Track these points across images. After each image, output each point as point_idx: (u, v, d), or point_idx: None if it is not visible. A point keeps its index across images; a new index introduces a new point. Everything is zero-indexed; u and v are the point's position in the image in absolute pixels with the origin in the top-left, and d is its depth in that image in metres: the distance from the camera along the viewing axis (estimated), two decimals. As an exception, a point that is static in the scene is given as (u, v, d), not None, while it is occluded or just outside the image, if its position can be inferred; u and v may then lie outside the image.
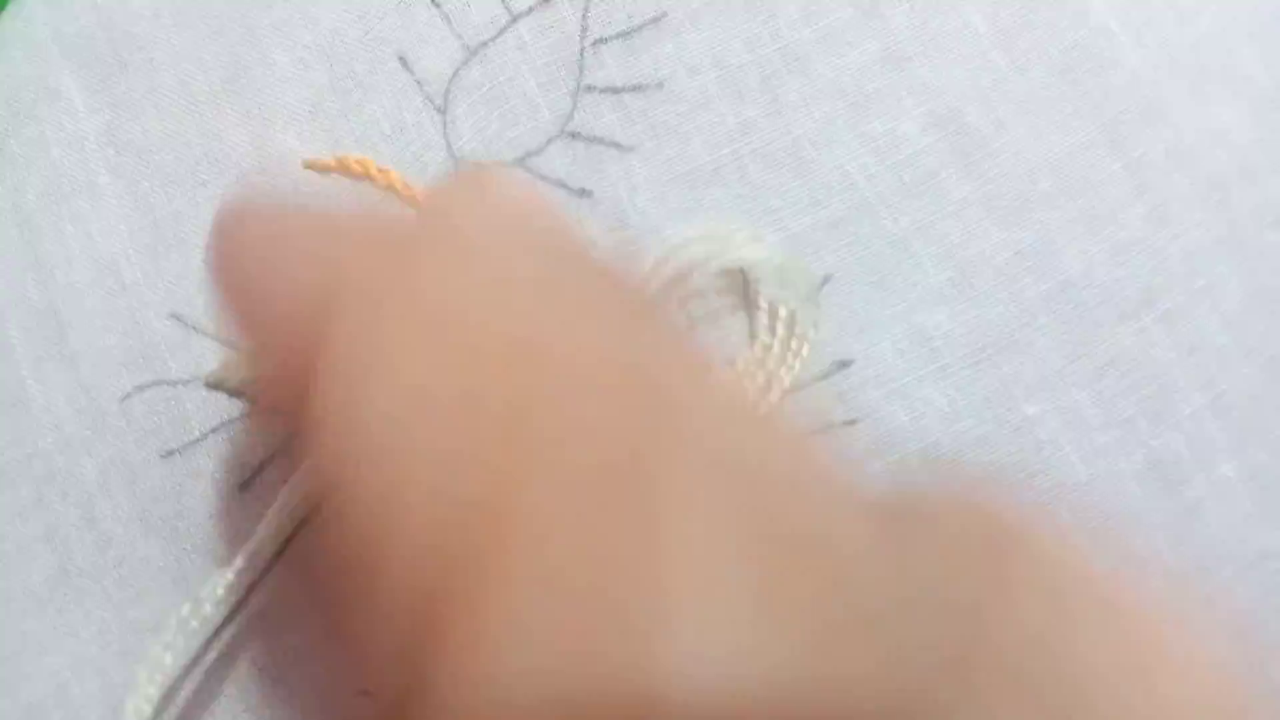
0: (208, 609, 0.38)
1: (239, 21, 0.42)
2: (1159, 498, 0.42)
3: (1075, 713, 0.23)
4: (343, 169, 0.41)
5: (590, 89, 0.42)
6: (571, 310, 0.26)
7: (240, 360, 0.40)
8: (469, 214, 0.28)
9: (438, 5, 0.42)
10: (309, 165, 0.41)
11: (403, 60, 0.42)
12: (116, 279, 0.41)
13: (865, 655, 0.23)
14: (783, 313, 0.40)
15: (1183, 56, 0.43)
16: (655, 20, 0.42)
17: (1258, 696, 0.42)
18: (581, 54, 0.42)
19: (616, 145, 0.42)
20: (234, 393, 0.40)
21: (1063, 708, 0.23)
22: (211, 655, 0.39)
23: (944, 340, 0.42)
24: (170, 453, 0.40)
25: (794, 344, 0.41)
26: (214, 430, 0.40)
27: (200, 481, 0.40)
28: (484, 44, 0.42)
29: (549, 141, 0.42)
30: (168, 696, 0.39)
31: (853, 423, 0.41)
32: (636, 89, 0.42)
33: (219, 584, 0.38)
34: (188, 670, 0.38)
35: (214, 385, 0.40)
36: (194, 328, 0.40)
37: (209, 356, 0.40)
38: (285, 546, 0.39)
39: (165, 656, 0.37)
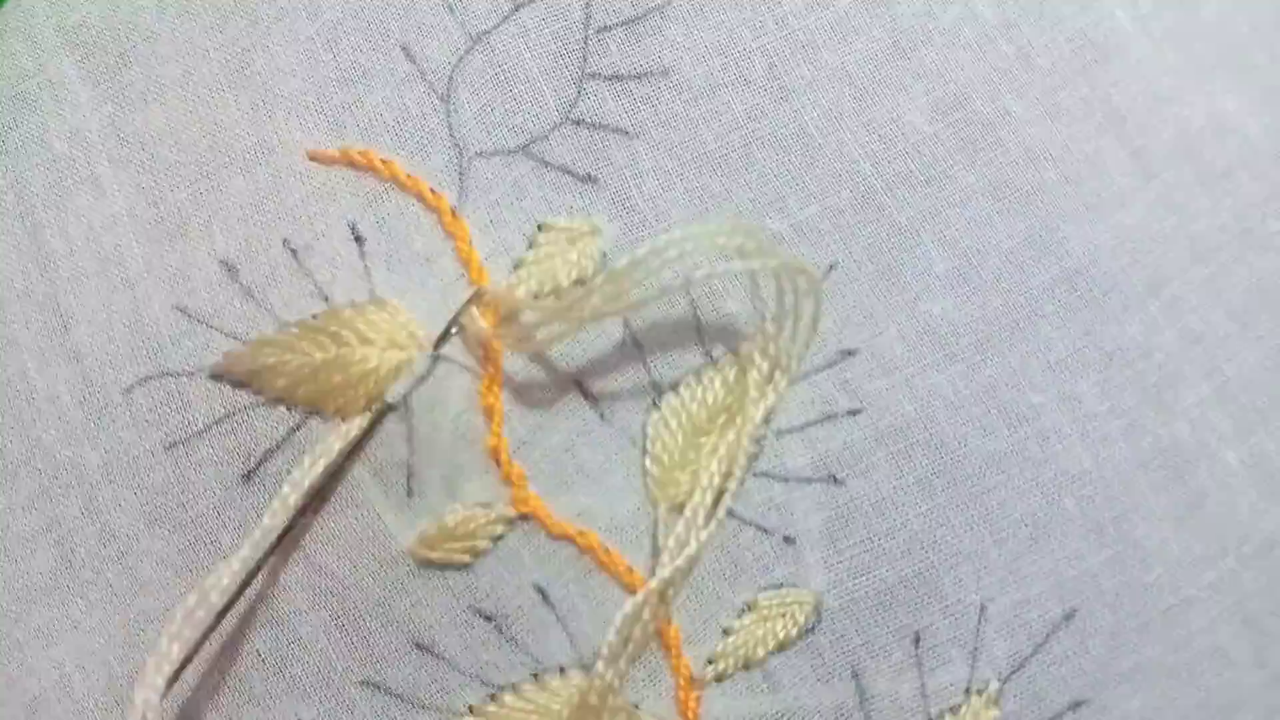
0: (214, 599, 0.38)
1: (242, 13, 0.42)
2: (1164, 486, 0.42)
3: None
4: (346, 160, 0.41)
5: (595, 76, 0.42)
6: None
7: (243, 352, 0.40)
8: None
9: (441, -6, 0.42)
10: (313, 157, 0.41)
11: (405, 49, 0.42)
12: (120, 271, 0.41)
13: None
14: (786, 303, 0.40)
15: (1189, 45, 0.43)
16: (660, 7, 0.42)
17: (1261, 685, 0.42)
18: (585, 41, 0.42)
19: (622, 132, 0.42)
20: (237, 384, 0.40)
21: None
22: (215, 646, 0.40)
23: (949, 329, 0.42)
24: (174, 444, 0.40)
25: (797, 334, 0.41)
26: (218, 421, 0.40)
27: (204, 472, 0.40)
28: (487, 32, 0.42)
29: (553, 128, 0.42)
30: (173, 686, 0.39)
31: (857, 412, 0.41)
32: (642, 76, 0.42)
33: (224, 575, 0.38)
34: (191, 660, 0.38)
35: (217, 376, 0.40)
36: (197, 319, 0.40)
37: (212, 348, 0.40)
38: (286, 535, 0.39)
39: (173, 647, 0.37)
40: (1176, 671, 0.41)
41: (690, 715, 0.40)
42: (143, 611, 0.40)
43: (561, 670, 0.40)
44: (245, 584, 0.39)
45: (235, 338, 0.40)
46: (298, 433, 0.40)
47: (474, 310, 0.40)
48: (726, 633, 0.41)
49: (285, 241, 0.41)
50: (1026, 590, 0.41)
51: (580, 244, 0.41)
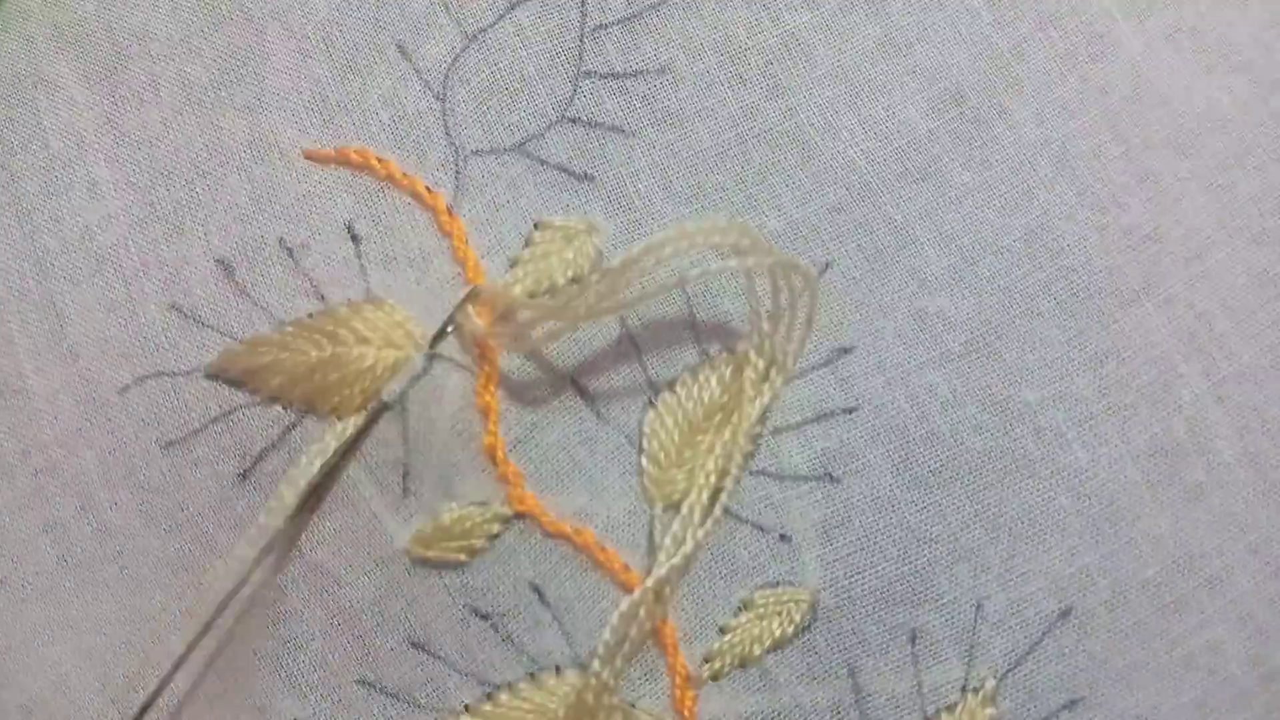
0: (211, 598, 0.38)
1: (237, 12, 0.42)
2: (1160, 483, 0.42)
3: None
4: (342, 159, 0.41)
5: (591, 74, 0.42)
6: None
7: (239, 350, 0.40)
8: None
9: (436, -8, 0.42)
10: (308, 155, 0.41)
11: (401, 48, 0.42)
12: (115, 270, 0.41)
13: None
14: (782, 301, 0.40)
15: (1184, 41, 0.43)
16: (656, 6, 0.42)
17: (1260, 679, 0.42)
18: (581, 39, 0.42)
19: (618, 130, 0.42)
20: (233, 382, 0.40)
21: None
22: (211, 645, 0.40)
23: (945, 326, 0.42)
24: (170, 443, 0.40)
25: (793, 331, 0.41)
26: (214, 420, 0.40)
27: (200, 471, 0.40)
28: (483, 30, 0.42)
29: (549, 127, 0.42)
30: (170, 684, 0.39)
31: (853, 410, 0.41)
32: (638, 74, 0.42)
33: (221, 574, 0.38)
34: (188, 658, 0.38)
35: (214, 375, 0.40)
36: (193, 318, 0.40)
37: (208, 347, 0.40)
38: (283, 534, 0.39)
39: (179, 645, 0.38)
40: (1172, 669, 0.41)
41: (687, 714, 0.40)
42: (140, 610, 0.40)
43: (558, 669, 0.40)
44: (241, 583, 0.39)
45: (231, 336, 0.40)
46: (293, 431, 0.40)
47: (469, 309, 0.40)
48: (723, 631, 0.41)
49: (281, 240, 0.41)
50: (1022, 588, 0.41)
51: (576, 242, 0.41)
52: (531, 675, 0.40)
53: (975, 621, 0.41)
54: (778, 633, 0.40)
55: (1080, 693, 0.41)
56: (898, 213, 0.42)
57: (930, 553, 0.41)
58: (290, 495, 0.39)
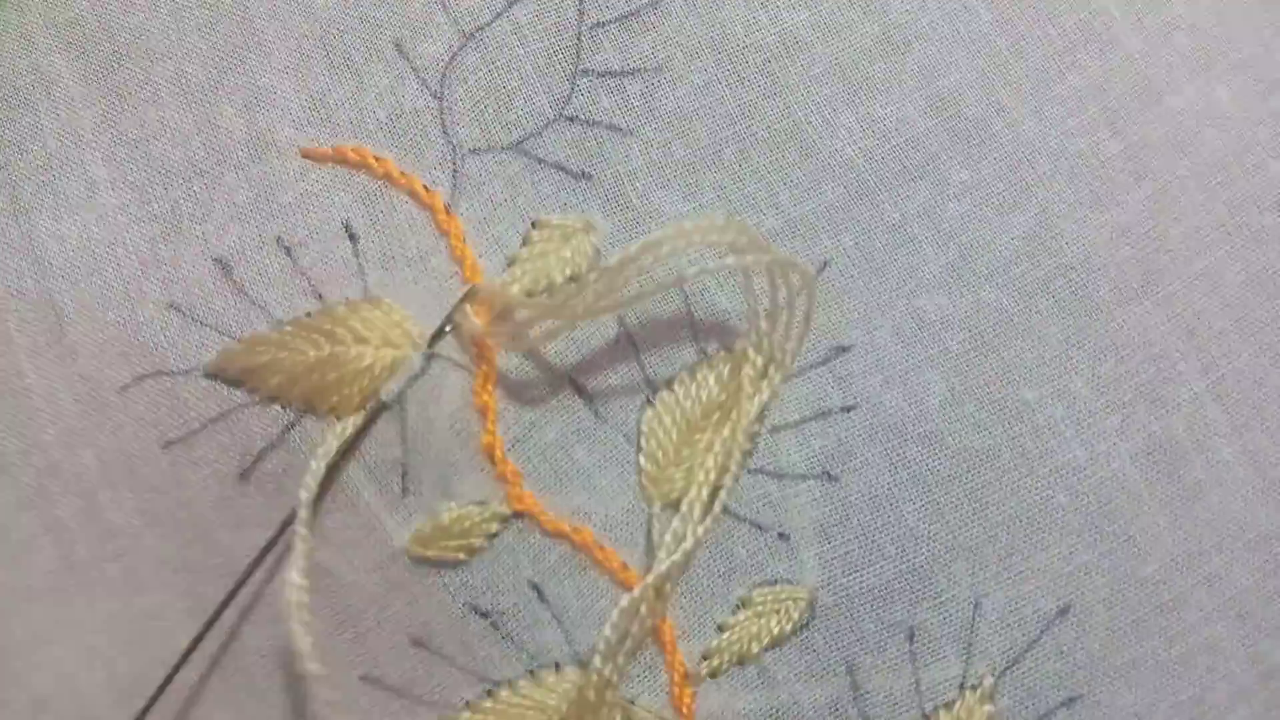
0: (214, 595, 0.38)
1: (234, 10, 0.42)
2: (1158, 481, 0.42)
3: None
4: (339, 158, 0.41)
5: (588, 73, 0.42)
6: None
7: (238, 350, 0.40)
8: None
9: (433, -10, 0.42)
10: (306, 155, 0.41)
11: (399, 47, 0.42)
12: (114, 269, 0.41)
13: None
14: (780, 299, 0.40)
15: (1182, 39, 0.43)
16: (654, 3, 0.42)
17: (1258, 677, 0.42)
18: (579, 38, 0.42)
19: (616, 129, 0.42)
20: (232, 382, 0.40)
21: None
22: (213, 644, 0.40)
23: (944, 325, 0.42)
24: (170, 443, 0.40)
25: (791, 329, 0.41)
26: (213, 420, 0.40)
27: (201, 470, 0.40)
28: (480, 29, 0.42)
29: (547, 125, 0.42)
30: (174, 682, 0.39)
31: (851, 408, 0.41)
32: (635, 72, 0.42)
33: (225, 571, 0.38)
34: (190, 655, 0.39)
35: (213, 375, 0.40)
36: (191, 318, 0.40)
37: (207, 346, 0.40)
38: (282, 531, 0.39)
39: (183, 643, 0.38)
40: (1170, 666, 0.41)
41: (686, 711, 0.40)
42: (144, 609, 0.40)
43: (557, 666, 0.40)
44: (242, 582, 0.39)
45: (230, 336, 0.40)
46: (293, 431, 0.40)
47: (467, 308, 0.40)
48: (721, 629, 0.41)
49: (279, 239, 0.41)
50: (1021, 586, 0.41)
51: (574, 241, 0.41)
52: (531, 672, 0.40)
53: (973, 619, 0.41)
54: (776, 630, 0.41)
55: (1078, 690, 0.41)
56: (896, 211, 0.42)
57: (928, 551, 0.41)
58: (306, 509, 0.39)
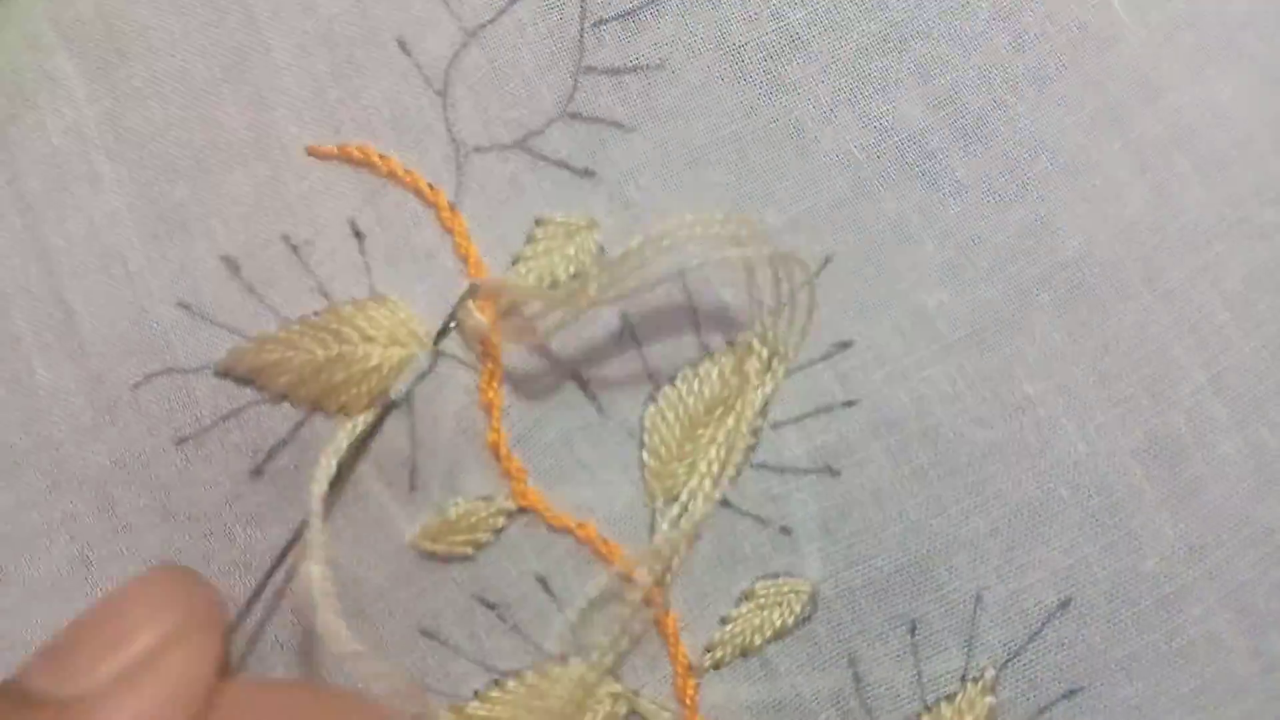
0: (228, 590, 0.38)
1: (238, 8, 0.42)
2: (1159, 475, 0.42)
3: None
4: (343, 156, 0.41)
5: (591, 70, 0.42)
6: None
7: (247, 349, 0.40)
8: None
9: (436, -13, 0.42)
10: (311, 152, 0.41)
11: (402, 44, 0.42)
12: (122, 267, 0.41)
13: None
14: (782, 292, 0.40)
15: (1183, 35, 0.43)
16: (655, 1, 0.42)
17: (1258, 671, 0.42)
18: (581, 35, 0.42)
19: (618, 126, 0.42)
20: (242, 380, 0.41)
21: None
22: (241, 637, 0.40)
23: (945, 320, 0.42)
24: (183, 440, 0.41)
25: (794, 322, 0.41)
26: (225, 417, 0.40)
27: (213, 467, 0.40)
28: (483, 26, 0.42)
29: (550, 123, 0.42)
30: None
31: (853, 403, 0.42)
32: (637, 70, 0.42)
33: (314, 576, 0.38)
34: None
35: (223, 373, 0.41)
36: (201, 315, 0.41)
37: (217, 344, 0.41)
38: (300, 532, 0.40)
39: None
40: (1171, 660, 0.42)
41: (689, 702, 0.41)
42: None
43: (563, 657, 0.41)
44: (267, 578, 0.40)
45: (239, 334, 0.40)
46: (303, 428, 0.40)
47: (470, 304, 0.40)
48: (724, 621, 0.41)
49: (285, 237, 0.41)
50: (1022, 579, 0.41)
51: (578, 238, 0.41)
52: (538, 663, 0.41)
53: (975, 612, 0.41)
54: (778, 623, 0.41)
55: (1080, 682, 0.41)
56: (896, 207, 0.42)
57: (930, 544, 0.41)
58: (318, 503, 0.39)
